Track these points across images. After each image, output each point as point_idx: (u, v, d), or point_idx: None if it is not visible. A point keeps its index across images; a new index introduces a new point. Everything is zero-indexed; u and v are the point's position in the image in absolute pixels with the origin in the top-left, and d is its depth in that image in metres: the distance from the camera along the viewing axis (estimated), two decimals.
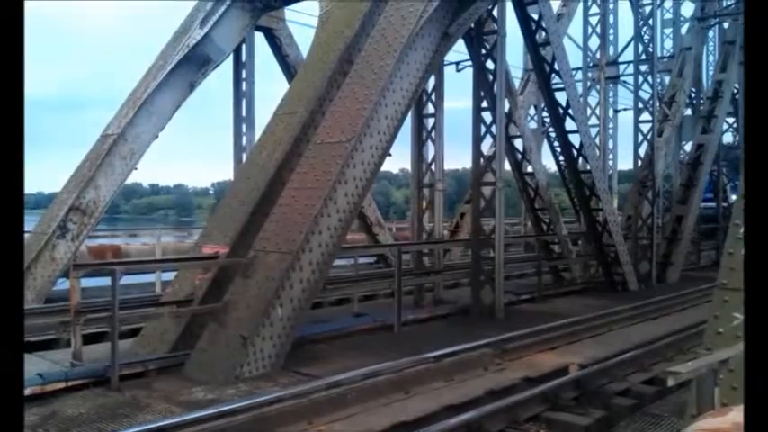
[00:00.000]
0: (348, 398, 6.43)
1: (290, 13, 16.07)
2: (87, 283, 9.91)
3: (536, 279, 14.29)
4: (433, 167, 13.08)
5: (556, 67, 13.62)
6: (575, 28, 21.09)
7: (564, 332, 9.84)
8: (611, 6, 21.86)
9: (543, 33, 13.50)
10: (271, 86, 16.93)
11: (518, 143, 14.68)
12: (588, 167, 14.44)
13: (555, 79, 13.82)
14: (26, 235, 13.34)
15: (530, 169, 14.83)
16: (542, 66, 13.82)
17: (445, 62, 13.11)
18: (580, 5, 20.51)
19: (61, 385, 7.16)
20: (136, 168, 13.21)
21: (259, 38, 15.91)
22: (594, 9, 20.11)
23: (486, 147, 12.67)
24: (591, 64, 19.81)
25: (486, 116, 12.28)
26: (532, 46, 13.72)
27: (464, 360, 7.85)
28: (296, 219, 8.73)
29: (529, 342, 9.07)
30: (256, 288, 8.29)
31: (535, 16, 13.31)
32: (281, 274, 8.24)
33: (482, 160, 12.34)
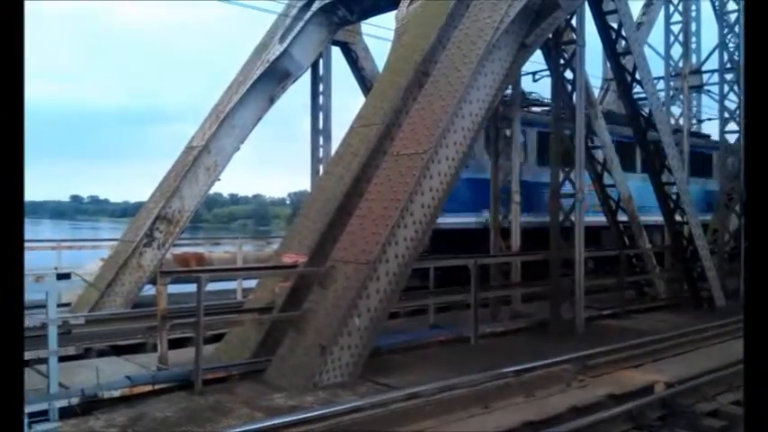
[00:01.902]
0: (426, 410, 6.41)
1: (365, 27, 16.29)
2: (170, 289, 10.23)
3: (617, 294, 13.89)
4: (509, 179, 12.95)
5: (637, 76, 13.28)
6: (656, 36, 20.51)
7: (648, 349, 9.54)
8: (693, 14, 21.15)
9: (623, 42, 13.20)
10: (347, 99, 17.17)
11: (599, 154, 14.32)
12: (672, 179, 13.96)
13: (636, 89, 13.47)
14: (114, 243, 13.97)
15: (611, 181, 14.43)
16: (623, 75, 13.50)
17: (522, 72, 12.98)
18: (661, 13, 19.93)
19: (148, 388, 7.42)
20: (219, 179, 13.65)
21: (336, 51, 16.19)
22: (676, 17, 19.48)
23: None
24: (673, 73, 19.18)
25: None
26: (612, 55, 13.42)
27: (545, 375, 7.71)
28: (373, 229, 8.79)
29: (612, 359, 8.83)
30: (334, 297, 8.39)
31: (615, 25, 13.02)
32: (359, 285, 8.31)
33: (561, 172, 12.11)
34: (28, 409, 6.36)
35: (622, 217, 14.42)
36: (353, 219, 9.23)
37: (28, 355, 6.71)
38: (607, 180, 14.07)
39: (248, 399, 7.21)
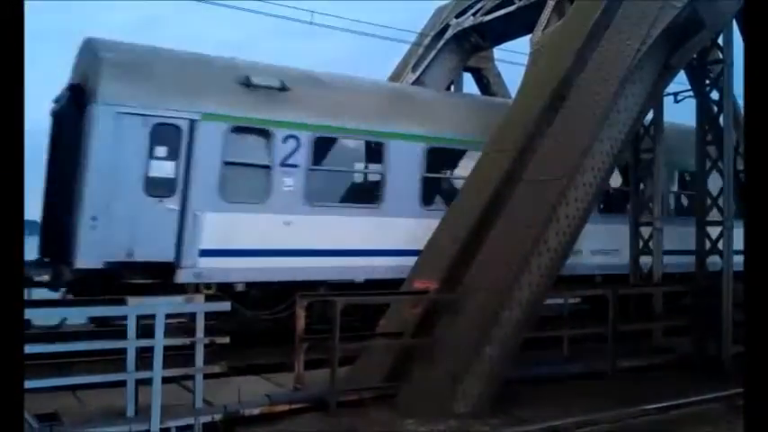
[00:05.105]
0: None
1: (498, 52, 16.23)
2: None
3: None
4: (651, 204, 12.37)
5: None
6: None
7: None
8: None
9: None
10: None
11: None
12: None
13: None
14: None
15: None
16: None
17: (662, 93, 12.39)
18: None
19: (285, 407, 7.68)
20: None
21: (467, 78, 16.24)
22: None
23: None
24: None
25: (712, 150, 11.39)
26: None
27: (690, 414, 7.26)
28: (506, 257, 8.66)
29: None
30: (466, 325, 8.32)
31: None
32: (491, 313, 8.20)
33: (708, 198, 11.41)
34: (175, 423, 6.76)
35: None
36: (486, 245, 9.11)
37: (176, 372, 7.08)
38: None
39: (380, 423, 7.29)
